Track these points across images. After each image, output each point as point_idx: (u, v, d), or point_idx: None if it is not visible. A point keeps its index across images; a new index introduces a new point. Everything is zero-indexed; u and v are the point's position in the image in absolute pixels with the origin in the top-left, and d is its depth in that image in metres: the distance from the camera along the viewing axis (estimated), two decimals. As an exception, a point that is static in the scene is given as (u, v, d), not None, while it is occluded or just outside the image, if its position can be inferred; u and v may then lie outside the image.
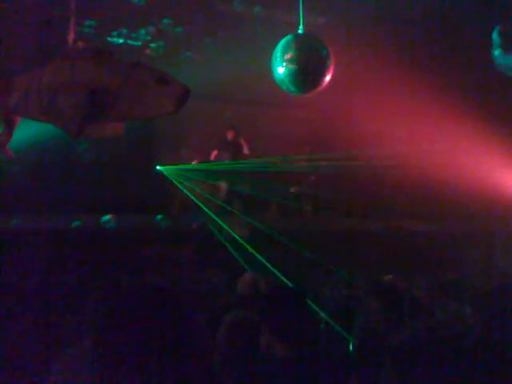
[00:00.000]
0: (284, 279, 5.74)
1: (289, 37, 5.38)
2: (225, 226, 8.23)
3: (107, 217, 8.24)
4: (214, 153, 9.66)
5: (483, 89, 8.31)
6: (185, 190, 8.72)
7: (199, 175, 9.13)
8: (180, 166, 9.30)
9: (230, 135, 9.60)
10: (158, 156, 9.56)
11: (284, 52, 5.31)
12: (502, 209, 8.15)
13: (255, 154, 10.01)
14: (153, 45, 8.47)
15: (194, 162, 9.51)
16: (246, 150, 9.68)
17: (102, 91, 3.87)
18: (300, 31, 5.43)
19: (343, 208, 8.94)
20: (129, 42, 8.65)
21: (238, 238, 7.71)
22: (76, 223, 8.26)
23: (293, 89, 5.35)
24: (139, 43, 8.59)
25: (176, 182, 8.74)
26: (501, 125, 7.80)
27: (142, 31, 8.55)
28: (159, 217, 8.63)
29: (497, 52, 5.39)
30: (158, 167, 9.04)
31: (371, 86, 8.42)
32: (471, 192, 7.90)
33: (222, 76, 8.40)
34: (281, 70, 5.34)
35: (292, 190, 9.72)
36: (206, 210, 8.40)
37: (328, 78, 5.34)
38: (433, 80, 7.97)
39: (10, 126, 4.43)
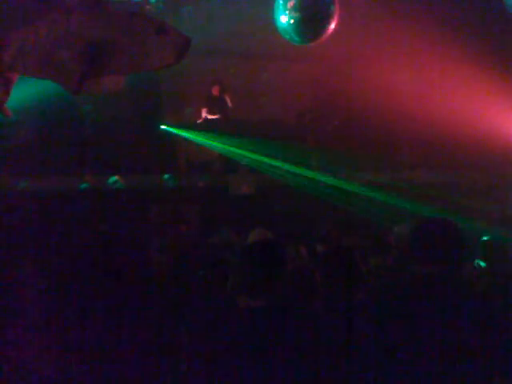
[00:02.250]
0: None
1: (291, -17, 5.21)
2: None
3: (114, 178, 8.23)
4: (204, 109, 9.52)
5: (497, 35, 8.09)
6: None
7: (205, 135, 9.07)
8: (185, 125, 9.25)
9: (214, 90, 9.46)
10: (164, 115, 9.48)
11: (287, 0, 5.15)
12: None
13: (254, 114, 9.91)
14: (153, 0, 8.26)
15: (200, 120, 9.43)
16: (229, 103, 9.55)
17: (100, 44, 3.77)
18: (303, -23, 5.25)
19: (352, 161, 8.85)
20: (129, -3, 8.42)
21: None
22: (84, 185, 8.26)
23: (296, 38, 5.22)
24: (139, -1, 8.39)
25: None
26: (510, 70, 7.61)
27: (142, -14, 8.33)
28: (166, 176, 8.61)
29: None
30: (163, 126, 8.98)
31: (376, 36, 8.21)
32: (482, 139, 7.77)
33: (224, 30, 8.22)
34: (284, 19, 5.19)
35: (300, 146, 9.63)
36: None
37: (333, 25, 5.19)
38: (443, 27, 7.74)
39: (7, 84, 4.33)
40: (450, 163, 8.83)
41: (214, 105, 9.47)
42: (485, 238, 4.58)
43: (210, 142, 9.09)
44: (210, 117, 9.46)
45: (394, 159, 9.25)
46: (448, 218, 2.96)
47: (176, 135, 9.14)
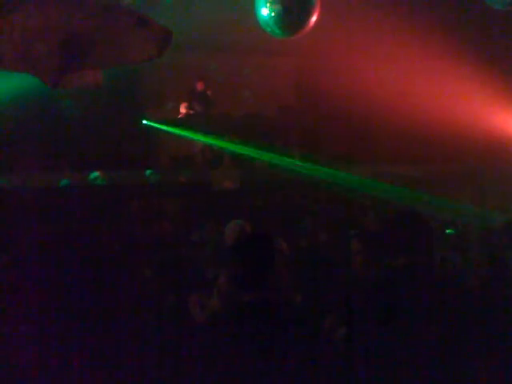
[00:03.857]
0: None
1: (272, -25, 5.18)
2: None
3: (95, 173, 8.12)
4: (183, 105, 9.48)
5: (475, 27, 8.16)
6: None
7: (187, 129, 9.00)
8: (167, 120, 9.18)
9: (199, 86, 9.44)
10: (145, 110, 9.40)
11: (267, -8, 5.12)
12: (491, 148, 8.14)
13: (240, 108, 9.88)
14: (132, -7, 8.15)
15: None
16: (213, 99, 9.53)
17: (79, 36, 3.71)
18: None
19: (331, 153, 8.86)
20: (106, -10, 8.30)
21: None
22: (64, 181, 8.15)
23: (277, 31, 5.19)
24: (118, -8, 8.26)
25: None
26: (489, 64, 7.68)
27: (120, -21, 8.22)
28: (148, 172, 8.53)
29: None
30: (144, 121, 8.90)
31: (360, 30, 8.22)
32: (460, 132, 7.84)
33: (205, 24, 8.16)
34: (265, 12, 5.16)
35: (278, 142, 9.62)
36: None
37: (314, 18, 5.17)
38: (423, 20, 7.78)
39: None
40: (431, 157, 8.91)
41: (198, 100, 9.45)
42: (448, 231, 4.65)
43: (193, 137, 9.04)
44: (193, 112, 9.43)
45: (376, 153, 9.28)
46: (415, 209, 3.00)
47: (158, 130, 9.07)
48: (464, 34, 8.12)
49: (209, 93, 9.49)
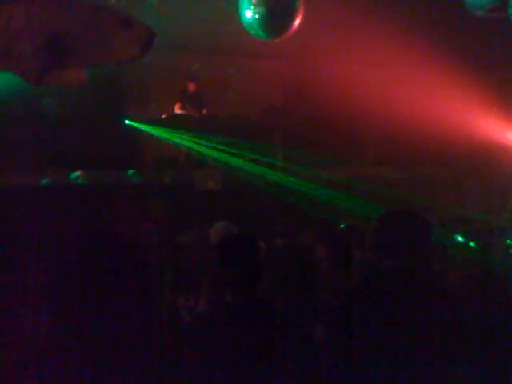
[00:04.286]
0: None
1: (256, -22, 5.21)
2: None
3: (77, 173, 8.07)
4: (177, 105, 9.49)
5: (455, 30, 8.26)
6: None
7: (169, 130, 8.98)
8: (150, 121, 9.14)
9: (191, 87, 9.44)
10: (128, 110, 9.35)
11: (251, -6, 5.15)
12: (473, 153, 8.25)
13: (224, 110, 9.88)
14: (115, -7, 8.12)
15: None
16: (205, 100, 9.55)
17: (63, 36, 3.71)
18: (268, -28, 5.26)
19: (312, 158, 8.91)
20: (90, -10, 8.25)
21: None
22: (45, 181, 8.08)
23: (261, 33, 5.23)
24: (101, -8, 8.22)
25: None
26: (473, 69, 7.79)
27: (104, -21, 8.18)
28: (131, 172, 8.49)
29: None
30: (127, 121, 8.85)
31: (344, 33, 8.28)
32: (442, 137, 7.95)
33: (189, 25, 8.16)
34: (249, 14, 5.19)
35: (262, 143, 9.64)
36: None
37: (298, 21, 5.22)
38: (408, 24, 7.87)
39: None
40: (414, 160, 9.00)
41: (190, 101, 9.45)
42: None
43: (176, 138, 9.02)
44: (185, 113, 9.44)
45: (359, 156, 9.36)
46: (413, 209, 2.83)
47: (141, 130, 9.04)
48: (449, 40, 8.22)
49: (201, 93, 9.50)
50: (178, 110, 9.47)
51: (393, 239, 2.60)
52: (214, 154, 9.02)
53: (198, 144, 9.12)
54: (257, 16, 5.11)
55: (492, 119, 8.33)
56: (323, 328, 2.96)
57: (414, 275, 2.56)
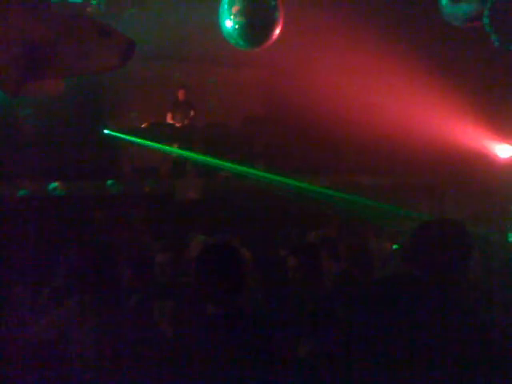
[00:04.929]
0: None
1: (236, -12, 5.22)
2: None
3: (55, 184, 7.95)
4: (169, 115, 9.49)
5: (434, 41, 8.37)
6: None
7: (149, 139, 8.91)
8: (130, 130, 9.08)
9: (180, 95, 9.44)
10: (107, 119, 9.28)
11: (231, 4, 5.15)
12: (451, 161, 8.34)
13: (204, 119, 9.87)
14: (93, 1, 8.07)
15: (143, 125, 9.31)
16: (192, 112, 9.56)
17: (40, 45, 3.66)
18: (247, -18, 5.27)
19: (292, 164, 8.92)
20: (68, -1, 8.20)
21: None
22: (22, 192, 7.94)
23: (241, 43, 5.23)
24: (80, 0, 8.17)
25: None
26: (450, 78, 7.89)
27: (82, -13, 8.13)
28: (110, 182, 8.40)
29: (444, 1, 5.40)
30: (106, 131, 8.77)
31: (323, 44, 8.35)
32: (420, 145, 8.03)
33: (169, 33, 8.14)
34: (229, 24, 5.19)
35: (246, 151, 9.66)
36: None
37: (277, 31, 5.23)
38: (385, 34, 7.95)
39: None
40: (393, 169, 9.07)
41: (180, 109, 9.43)
42: (395, 247, 4.70)
43: (156, 147, 8.95)
44: (175, 122, 9.42)
45: (338, 164, 9.41)
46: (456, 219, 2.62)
47: (120, 140, 8.96)
48: (428, 50, 8.33)
49: (191, 102, 9.49)
50: (169, 120, 9.46)
51: (432, 250, 2.44)
52: (195, 162, 8.99)
53: (179, 152, 9.08)
54: (237, 26, 5.11)
55: (469, 127, 8.45)
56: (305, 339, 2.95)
57: (449, 289, 2.43)
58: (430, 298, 2.37)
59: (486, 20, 5.24)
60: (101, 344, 2.64)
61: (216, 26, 5.54)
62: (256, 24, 5.13)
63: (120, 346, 2.70)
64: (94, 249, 2.97)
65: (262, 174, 8.73)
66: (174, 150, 9.00)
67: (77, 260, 2.84)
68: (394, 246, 5.36)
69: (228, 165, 8.78)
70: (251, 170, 8.64)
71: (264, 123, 10.18)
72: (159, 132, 9.15)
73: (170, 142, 9.04)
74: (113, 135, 8.83)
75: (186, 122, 9.52)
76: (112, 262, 2.93)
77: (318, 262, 3.66)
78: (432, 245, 2.43)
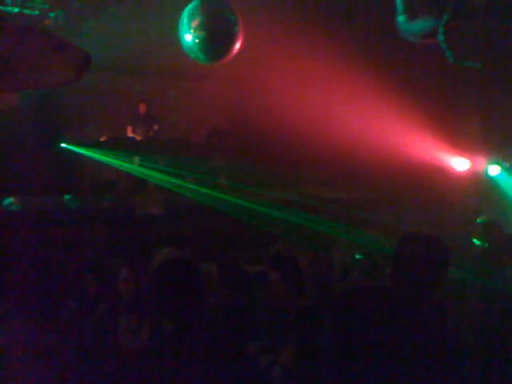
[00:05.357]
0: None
1: (195, 2, 5.20)
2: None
3: (10, 199, 7.72)
4: (130, 128, 9.37)
5: (390, 55, 8.52)
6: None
7: (107, 152, 8.75)
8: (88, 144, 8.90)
9: (141, 108, 9.34)
10: (64, 133, 9.07)
11: (191, 18, 5.13)
12: (409, 175, 8.48)
13: (166, 133, 9.80)
14: (51, 14, 7.91)
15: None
16: (155, 126, 9.48)
17: (-7, 59, 3.54)
18: (207, -4, 5.26)
19: (255, 178, 8.93)
20: (25, 11, 8.02)
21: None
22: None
23: (202, 57, 5.21)
24: (36, 12, 8.00)
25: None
26: (409, 93, 8.04)
27: (39, -1, 7.97)
28: (67, 197, 8.20)
29: (401, 18, 5.51)
30: (63, 145, 8.56)
31: (284, 58, 8.40)
32: (379, 159, 8.14)
33: (129, 46, 8.05)
34: (188, 38, 5.16)
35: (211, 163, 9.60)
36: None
37: (237, 45, 5.23)
38: (345, 49, 8.05)
39: None
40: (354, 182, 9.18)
41: (141, 123, 9.32)
42: (358, 257, 4.72)
43: (115, 161, 8.79)
44: (136, 136, 9.31)
45: (300, 177, 9.46)
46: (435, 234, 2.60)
47: (78, 153, 8.76)
48: (387, 66, 8.47)
49: (153, 115, 9.40)
50: (130, 134, 9.34)
51: (411, 263, 2.42)
52: (155, 176, 8.86)
53: (139, 167, 8.94)
54: (197, 40, 5.08)
55: (428, 141, 8.62)
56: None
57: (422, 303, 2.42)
58: (401, 311, 2.29)
59: (440, 37, 5.37)
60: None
61: (176, 39, 5.51)
62: (216, 38, 5.11)
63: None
64: (46, 265, 2.87)
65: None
66: (133, 165, 8.85)
67: (27, 276, 2.75)
68: (357, 256, 5.36)
69: (190, 179, 8.71)
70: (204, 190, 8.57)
71: (226, 137, 10.16)
72: (119, 145, 9.00)
73: (130, 156, 8.88)
74: (70, 149, 8.63)
75: (148, 135, 9.42)
76: (66, 279, 2.86)
77: (300, 272, 3.64)
78: (408, 259, 2.42)
